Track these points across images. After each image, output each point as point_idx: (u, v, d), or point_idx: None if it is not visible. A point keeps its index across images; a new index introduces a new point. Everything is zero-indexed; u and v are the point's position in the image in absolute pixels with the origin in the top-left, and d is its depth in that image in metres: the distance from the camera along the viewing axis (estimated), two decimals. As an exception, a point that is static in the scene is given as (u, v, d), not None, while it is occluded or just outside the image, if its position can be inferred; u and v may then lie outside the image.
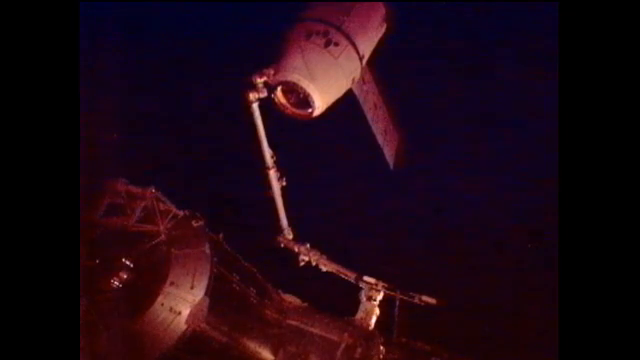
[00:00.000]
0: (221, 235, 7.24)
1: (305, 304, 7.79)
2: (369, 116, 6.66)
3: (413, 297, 7.36)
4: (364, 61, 6.01)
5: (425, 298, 7.33)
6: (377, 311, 7.54)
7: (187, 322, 6.38)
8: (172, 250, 6.63)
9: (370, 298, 7.52)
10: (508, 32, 11.87)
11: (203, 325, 6.47)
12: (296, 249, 7.41)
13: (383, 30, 6.29)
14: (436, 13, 11.71)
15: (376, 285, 7.49)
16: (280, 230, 7.34)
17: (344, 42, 5.71)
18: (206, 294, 6.51)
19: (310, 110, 5.75)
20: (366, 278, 7.51)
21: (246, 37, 11.62)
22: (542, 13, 10.16)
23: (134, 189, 6.87)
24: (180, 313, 6.36)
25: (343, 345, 7.20)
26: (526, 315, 11.39)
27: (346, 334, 7.27)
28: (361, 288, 7.60)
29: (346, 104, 6.15)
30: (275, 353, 7.10)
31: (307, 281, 7.78)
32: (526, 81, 11.79)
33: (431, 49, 12.06)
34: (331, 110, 5.88)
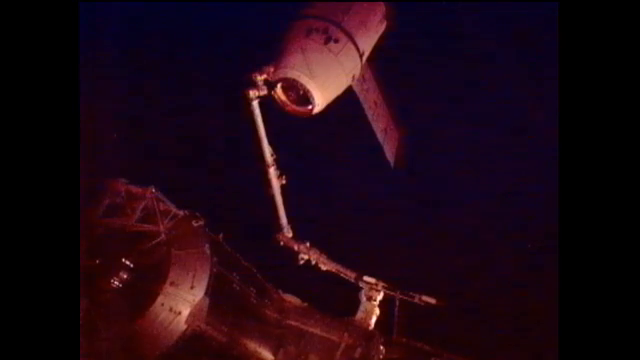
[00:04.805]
0: (221, 235, 7.24)
1: (305, 304, 7.78)
2: (369, 114, 6.66)
3: (413, 297, 7.36)
4: (364, 58, 6.01)
5: (425, 298, 7.33)
6: (377, 311, 7.54)
7: (187, 322, 6.39)
8: (172, 250, 6.63)
9: (370, 298, 7.51)
10: (508, 32, 11.86)
11: (203, 325, 6.48)
12: (296, 247, 7.41)
13: (383, 28, 6.29)
14: (436, 12, 11.71)
15: (376, 285, 7.49)
16: (280, 228, 7.34)
17: (344, 39, 5.71)
18: (206, 294, 6.51)
19: (310, 107, 5.75)
20: (366, 278, 7.51)
21: (246, 35, 11.61)
22: (542, 13, 10.16)
23: (134, 189, 6.87)
24: (180, 313, 6.37)
25: (343, 345, 7.20)
26: (526, 315, 11.38)
27: (346, 334, 7.27)
28: (361, 288, 7.60)
29: (346, 102, 6.14)
30: (275, 353, 7.10)
31: (307, 281, 7.77)
32: (526, 81, 11.79)
33: (431, 48, 12.05)
34: (331, 108, 5.88)
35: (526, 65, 11.86)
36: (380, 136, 6.90)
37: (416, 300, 7.34)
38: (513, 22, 11.79)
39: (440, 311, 7.35)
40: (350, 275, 7.54)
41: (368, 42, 6.08)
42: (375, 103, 6.76)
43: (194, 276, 6.50)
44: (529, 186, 11.98)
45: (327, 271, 7.52)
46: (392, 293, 7.48)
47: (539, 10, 10.73)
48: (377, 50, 6.24)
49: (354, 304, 7.64)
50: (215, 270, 6.74)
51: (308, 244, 7.46)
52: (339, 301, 7.84)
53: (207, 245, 6.81)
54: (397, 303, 7.42)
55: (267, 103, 6.02)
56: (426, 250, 12.04)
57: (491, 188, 12.20)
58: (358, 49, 5.84)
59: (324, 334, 7.29)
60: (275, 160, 6.69)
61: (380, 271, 7.62)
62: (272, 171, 6.72)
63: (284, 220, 7.28)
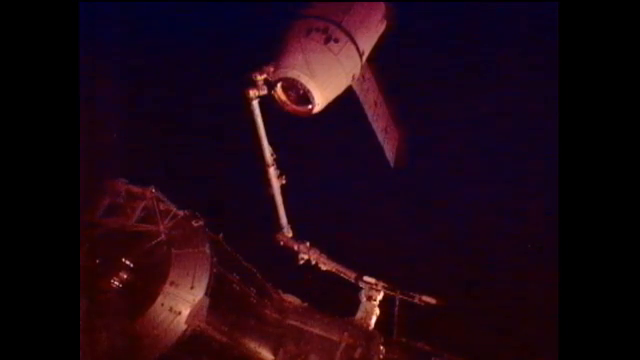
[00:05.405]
0: (221, 235, 7.24)
1: (305, 304, 7.79)
2: (369, 114, 6.66)
3: (413, 297, 7.36)
4: (364, 58, 6.01)
5: (425, 298, 7.33)
6: (377, 311, 7.54)
7: (187, 322, 6.39)
8: (172, 250, 6.64)
9: (370, 298, 7.52)
10: (508, 32, 11.87)
11: (203, 325, 6.48)
12: (295, 247, 7.41)
13: (383, 28, 6.29)
14: (437, 12, 11.71)
15: (376, 285, 7.49)
16: (280, 228, 7.34)
17: (344, 39, 5.71)
18: (206, 294, 6.52)
19: (310, 107, 5.74)
20: (366, 278, 7.51)
21: (246, 35, 11.62)
22: (542, 13, 10.16)
23: (134, 189, 6.87)
24: (180, 313, 6.37)
25: (343, 345, 7.20)
26: (526, 315, 11.38)
27: (346, 334, 7.27)
28: (361, 288, 7.60)
29: (346, 102, 6.14)
30: (275, 353, 7.10)
31: (307, 281, 7.78)
32: (526, 80, 11.79)
33: (431, 47, 12.06)
34: (331, 108, 5.88)
35: (526, 65, 11.86)
36: (380, 136, 6.90)
37: (416, 300, 7.34)
38: (513, 22, 11.80)
39: (440, 311, 7.34)
40: (350, 275, 7.54)
41: (368, 42, 6.08)
42: (375, 103, 6.76)
43: (194, 276, 6.51)
44: (529, 186, 11.98)
45: (327, 271, 7.52)
46: (392, 293, 7.48)
47: (539, 10, 10.73)
48: (377, 50, 6.24)
49: (354, 304, 7.64)
50: (215, 270, 6.74)
51: (308, 244, 7.46)
52: (339, 301, 7.84)
53: (207, 245, 6.82)
54: (397, 303, 7.42)
55: (267, 103, 6.02)
56: (426, 250, 12.05)
57: (491, 188, 12.20)
58: (358, 49, 5.83)
59: (324, 334, 7.29)
60: (275, 160, 6.68)
61: (380, 271, 7.62)
62: (272, 171, 6.72)
63: (284, 220, 7.28)
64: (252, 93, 5.98)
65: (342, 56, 5.68)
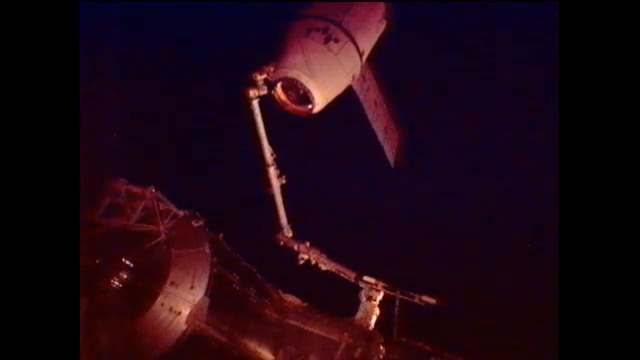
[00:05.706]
0: (221, 235, 7.24)
1: (305, 304, 7.79)
2: (369, 114, 6.66)
3: (413, 297, 7.37)
4: (364, 58, 6.01)
5: (425, 298, 7.34)
6: (377, 311, 7.55)
7: (187, 322, 6.40)
8: (172, 250, 6.64)
9: (370, 298, 7.52)
10: (508, 31, 11.87)
11: (203, 325, 6.49)
12: (295, 247, 7.42)
13: (383, 28, 6.29)
14: (436, 12, 11.71)
15: (376, 285, 7.49)
16: (280, 228, 7.34)
17: (344, 38, 5.70)
18: (206, 294, 6.53)
19: (310, 107, 5.74)
20: (366, 278, 7.51)
21: (246, 35, 11.61)
22: (542, 13, 10.17)
23: (134, 189, 6.88)
24: (180, 313, 6.38)
25: (343, 345, 7.21)
26: (526, 315, 11.38)
27: (346, 334, 7.28)
28: (361, 288, 7.61)
29: (346, 102, 6.14)
30: (275, 353, 7.11)
31: (307, 281, 7.78)
32: (526, 80, 11.79)
33: (431, 47, 12.06)
34: (331, 108, 5.88)
35: (526, 65, 11.86)
36: (380, 136, 6.90)
37: (416, 300, 7.35)
38: (513, 22, 11.80)
39: (440, 311, 7.35)
40: (350, 275, 7.54)
41: (368, 42, 6.08)
42: (375, 103, 6.76)
43: (194, 276, 6.51)
44: (529, 186, 11.98)
45: (327, 271, 7.53)
46: (392, 293, 7.48)
47: (539, 10, 10.73)
48: (377, 50, 6.24)
49: (354, 304, 7.64)
50: (215, 270, 6.75)
51: (308, 244, 7.47)
52: (339, 301, 7.84)
53: (207, 245, 6.83)
54: (397, 303, 7.42)
55: (267, 103, 6.02)
56: (426, 250, 12.05)
57: (491, 188, 12.20)
58: (358, 49, 5.83)
59: (324, 334, 7.30)
60: (275, 160, 6.69)
61: (380, 271, 7.62)
62: (272, 171, 6.73)
63: (284, 220, 7.28)
64: (252, 93, 5.98)
65: (342, 56, 5.68)
